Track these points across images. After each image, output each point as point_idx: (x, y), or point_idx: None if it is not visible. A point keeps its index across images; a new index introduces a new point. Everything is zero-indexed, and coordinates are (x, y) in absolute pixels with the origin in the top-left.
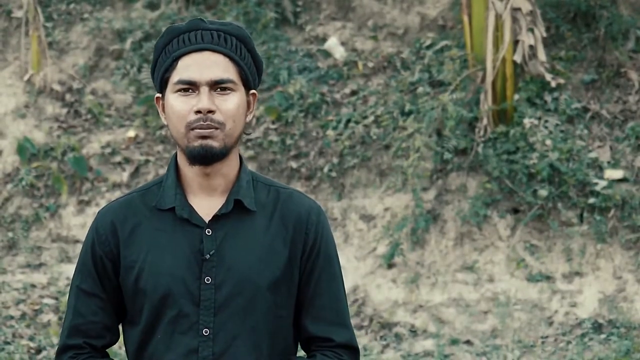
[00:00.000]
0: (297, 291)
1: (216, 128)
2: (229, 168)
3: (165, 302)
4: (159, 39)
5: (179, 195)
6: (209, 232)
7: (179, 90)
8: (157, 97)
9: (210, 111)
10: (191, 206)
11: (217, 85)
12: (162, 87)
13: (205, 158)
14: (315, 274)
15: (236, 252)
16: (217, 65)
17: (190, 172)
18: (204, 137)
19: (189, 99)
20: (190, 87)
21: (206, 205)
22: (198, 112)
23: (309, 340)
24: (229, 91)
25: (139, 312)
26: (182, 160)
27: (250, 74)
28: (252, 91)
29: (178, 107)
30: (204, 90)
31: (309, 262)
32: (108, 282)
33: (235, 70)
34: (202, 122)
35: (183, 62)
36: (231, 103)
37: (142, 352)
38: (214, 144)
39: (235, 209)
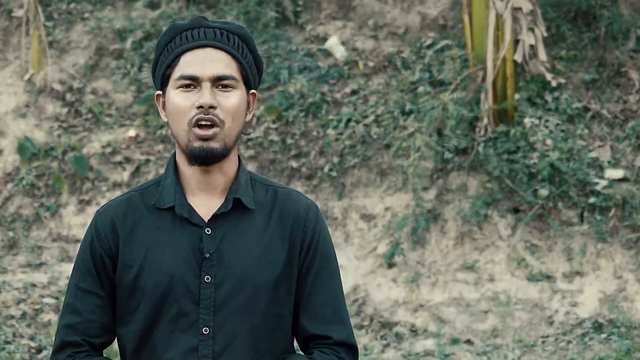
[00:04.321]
0: (295, 289)
1: (217, 125)
2: (229, 166)
3: (165, 301)
4: (161, 37)
5: (178, 194)
6: (208, 231)
7: (181, 86)
8: (158, 95)
9: (212, 107)
10: (190, 205)
11: (219, 82)
12: (163, 84)
13: (206, 159)
14: (313, 271)
15: (235, 251)
16: (219, 61)
17: (189, 171)
18: (205, 139)
19: (190, 95)
20: (192, 82)
21: (205, 204)
22: (200, 107)
23: (307, 339)
24: (230, 88)
25: (134, 310)
26: (181, 159)
27: (251, 73)
28: (252, 91)
29: (180, 102)
30: (206, 85)
31: (306, 260)
32: (107, 281)
33: (237, 67)
34: (203, 115)
35: (185, 58)
36: (232, 100)
37: (140, 351)
38: (214, 145)
39: (234, 208)
